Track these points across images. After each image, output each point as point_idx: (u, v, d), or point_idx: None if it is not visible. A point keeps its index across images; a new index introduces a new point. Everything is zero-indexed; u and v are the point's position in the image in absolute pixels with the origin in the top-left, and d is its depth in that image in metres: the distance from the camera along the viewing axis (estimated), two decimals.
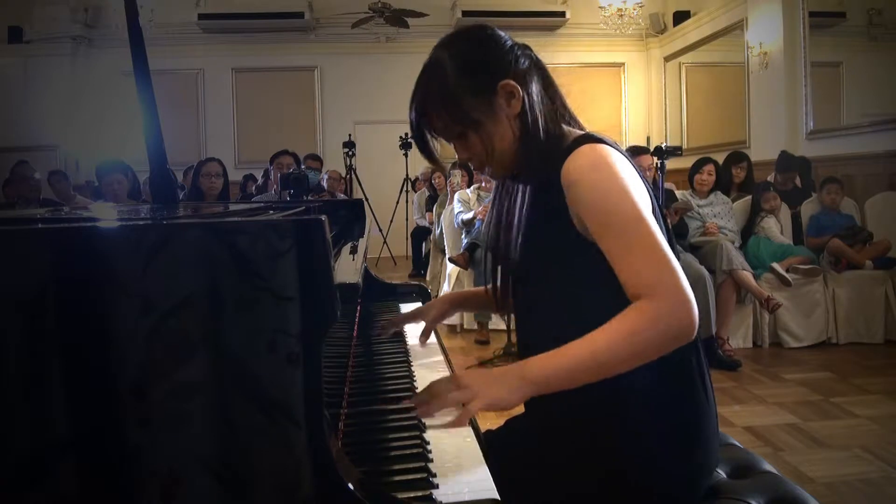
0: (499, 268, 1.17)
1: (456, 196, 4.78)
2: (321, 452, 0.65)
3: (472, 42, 1.05)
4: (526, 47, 1.08)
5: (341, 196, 6.11)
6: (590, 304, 0.96)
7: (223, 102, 8.95)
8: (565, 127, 1.07)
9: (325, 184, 5.91)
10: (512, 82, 1.02)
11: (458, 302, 1.43)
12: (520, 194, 1.10)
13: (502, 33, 1.07)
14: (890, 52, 5.76)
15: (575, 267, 1.01)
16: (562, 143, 1.03)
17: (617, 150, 1.00)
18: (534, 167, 1.04)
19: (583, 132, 1.06)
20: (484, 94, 1.01)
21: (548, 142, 1.03)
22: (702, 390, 1.03)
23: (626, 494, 0.99)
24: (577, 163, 0.97)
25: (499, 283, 1.17)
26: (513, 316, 1.21)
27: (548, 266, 1.04)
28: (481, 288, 1.38)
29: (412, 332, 1.45)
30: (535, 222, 1.05)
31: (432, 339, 1.41)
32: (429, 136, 1.07)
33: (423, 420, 0.92)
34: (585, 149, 0.98)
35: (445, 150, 1.16)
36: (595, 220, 0.94)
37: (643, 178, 1.01)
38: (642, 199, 0.95)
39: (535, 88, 1.04)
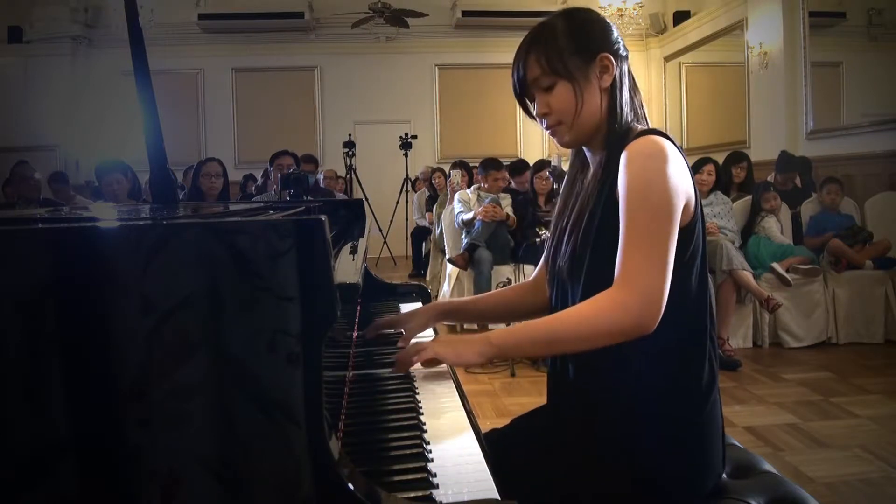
0: (552, 244, 1.18)
1: (456, 196, 4.78)
2: (321, 452, 0.65)
3: (587, 14, 1.14)
4: (626, 48, 1.14)
5: (341, 195, 6.11)
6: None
7: (223, 102, 8.96)
8: (635, 124, 1.10)
9: (321, 184, 5.91)
10: (610, 56, 1.09)
11: (443, 314, 1.38)
12: (586, 185, 1.13)
13: (607, 20, 1.15)
14: (890, 52, 5.76)
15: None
16: (630, 133, 1.07)
17: (677, 148, 1.03)
18: (610, 141, 1.08)
19: (650, 128, 1.09)
20: (583, 56, 1.08)
21: (625, 123, 1.08)
22: (710, 392, 1.03)
23: (628, 494, 0.99)
24: (637, 147, 1.01)
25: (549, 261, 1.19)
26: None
27: (598, 251, 1.04)
28: (472, 297, 1.41)
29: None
30: (593, 202, 1.07)
31: (432, 338, 1.41)
32: (530, 92, 1.13)
33: (402, 372, 1.08)
34: (650, 138, 1.02)
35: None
36: (625, 202, 0.98)
37: (695, 185, 1.04)
38: (679, 201, 0.97)
39: (625, 74, 1.12)
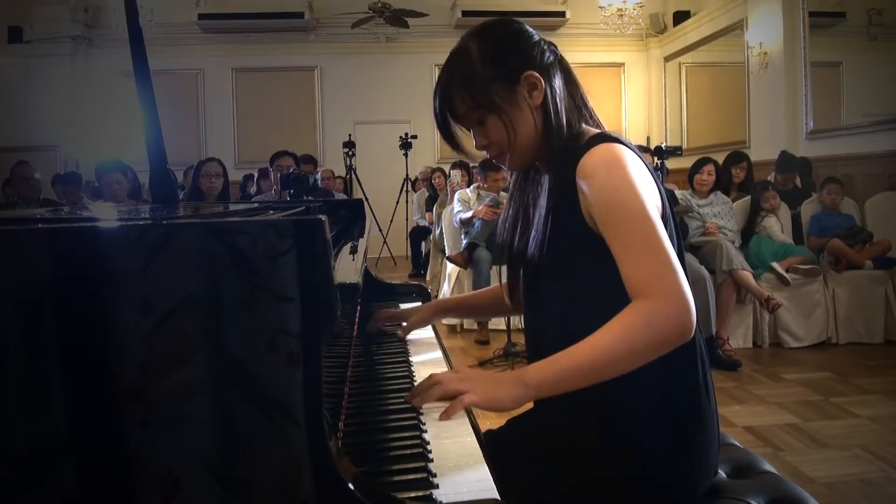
0: (513, 264, 1.17)
1: (456, 196, 4.78)
2: (321, 452, 0.65)
3: (500, 32, 1.08)
4: (551, 44, 1.10)
5: (340, 195, 6.11)
6: (600, 301, 0.96)
7: (223, 102, 8.96)
8: (584, 125, 1.08)
9: (320, 184, 5.91)
10: (535, 74, 1.04)
11: (442, 310, 1.44)
12: (538, 189, 1.12)
13: (530, 28, 1.09)
14: (890, 52, 5.77)
15: (585, 263, 1.01)
16: (579, 140, 1.05)
17: (632, 150, 1.02)
18: (553, 160, 1.06)
19: (599, 131, 1.07)
20: (507, 82, 1.04)
21: (567, 137, 1.05)
22: (704, 391, 1.03)
23: (627, 494, 0.99)
24: (592, 160, 0.98)
25: (511, 279, 1.18)
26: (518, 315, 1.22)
27: (560, 261, 1.05)
28: (469, 294, 1.42)
29: (413, 333, 1.45)
30: (550, 217, 1.06)
31: (433, 338, 1.42)
32: (452, 123, 1.09)
33: (418, 406, 0.94)
34: (601, 147, 1.00)
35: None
36: (604, 218, 0.96)
37: (656, 179, 1.03)
38: (651, 201, 0.96)
39: (557, 83, 1.07)
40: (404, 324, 1.37)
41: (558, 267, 1.05)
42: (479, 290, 1.47)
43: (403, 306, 1.70)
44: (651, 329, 0.88)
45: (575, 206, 1.01)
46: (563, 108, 1.06)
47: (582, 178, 0.98)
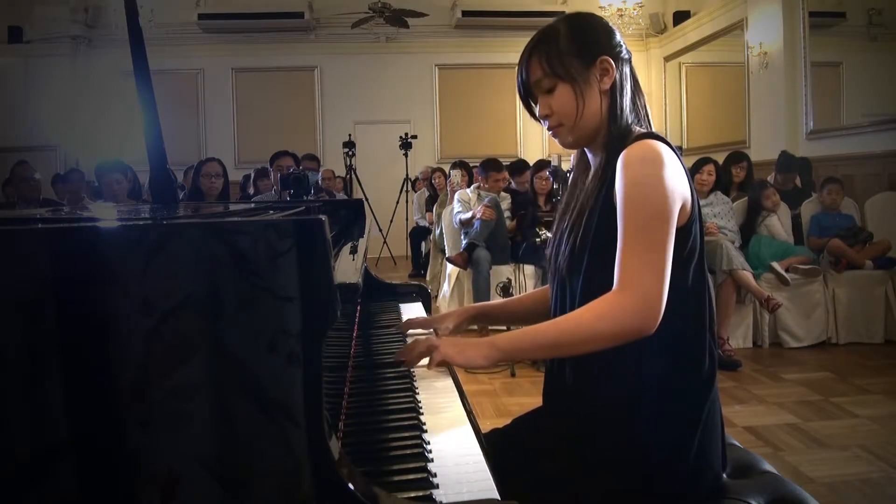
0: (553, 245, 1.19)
1: (456, 195, 4.78)
2: (321, 452, 0.65)
3: (590, 20, 1.16)
4: (629, 50, 1.16)
5: (340, 195, 6.11)
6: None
7: (223, 102, 8.96)
8: (635, 126, 1.12)
9: (321, 184, 5.90)
10: (610, 59, 1.10)
11: (475, 315, 1.41)
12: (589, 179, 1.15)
13: (611, 25, 1.17)
14: (890, 52, 5.77)
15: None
16: (630, 135, 1.08)
17: (673, 150, 1.04)
18: (608, 146, 1.10)
19: (649, 131, 1.10)
20: (584, 59, 1.10)
21: (624, 127, 1.10)
22: (708, 392, 1.03)
23: (629, 494, 0.99)
24: (632, 151, 1.02)
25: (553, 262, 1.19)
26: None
27: (597, 253, 1.06)
28: (501, 301, 1.46)
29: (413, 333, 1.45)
30: (592, 203, 1.09)
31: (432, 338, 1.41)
32: (533, 94, 1.15)
33: (408, 363, 1.10)
34: (645, 142, 1.03)
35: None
36: (623, 207, 0.99)
37: (691, 182, 1.05)
38: (674, 206, 0.99)
39: (627, 77, 1.13)
40: (434, 331, 1.37)
41: (597, 260, 1.05)
42: (512, 298, 1.49)
43: (403, 307, 1.70)
44: (612, 321, 0.96)
45: (613, 195, 1.04)
46: (627, 100, 1.11)
47: (620, 166, 1.02)
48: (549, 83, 1.11)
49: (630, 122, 1.11)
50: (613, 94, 1.11)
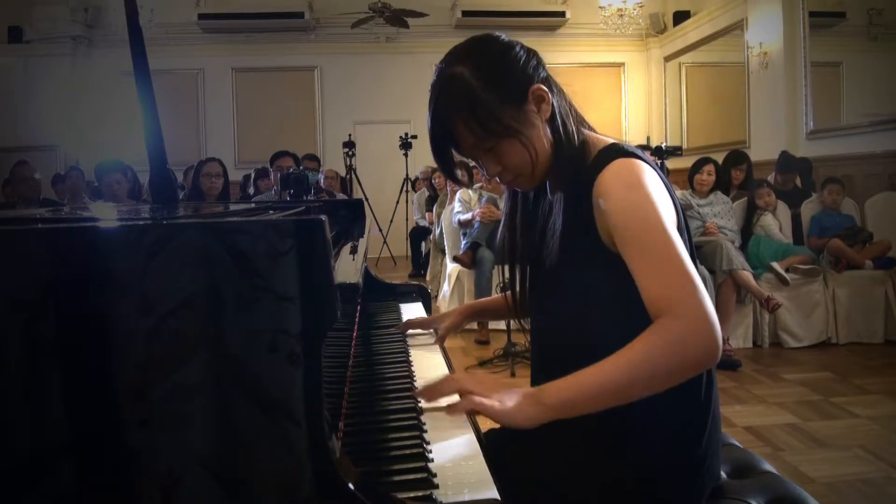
0: (517, 273, 1.16)
1: (457, 195, 4.77)
2: (321, 452, 0.65)
3: (490, 52, 1.02)
4: (533, 51, 1.05)
5: (340, 195, 6.10)
6: (610, 316, 0.96)
7: (223, 102, 8.95)
8: (585, 131, 1.06)
9: (322, 184, 5.90)
10: (542, 86, 1.00)
11: (473, 313, 1.43)
12: (545, 205, 1.10)
13: (510, 39, 1.04)
14: (890, 52, 5.76)
15: (598, 278, 1.00)
16: (587, 150, 1.02)
17: (646, 161, 1.00)
18: (567, 173, 1.02)
19: (612, 142, 1.05)
20: (516, 102, 0.99)
21: (577, 145, 1.02)
22: (708, 394, 1.03)
23: (628, 495, 0.99)
24: (611, 178, 0.95)
25: (517, 289, 1.17)
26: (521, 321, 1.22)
27: (571, 275, 1.03)
28: (497, 297, 1.40)
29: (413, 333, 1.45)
30: (561, 231, 1.03)
31: (433, 338, 1.41)
32: (451, 155, 1.05)
33: (428, 401, 0.95)
34: (619, 164, 0.97)
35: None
36: (622, 236, 0.93)
37: (671, 189, 1.01)
38: (669, 217, 0.94)
39: (555, 89, 1.04)
40: (434, 331, 1.38)
41: (567, 281, 1.04)
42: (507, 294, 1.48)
43: (403, 307, 1.70)
44: (674, 353, 0.84)
45: (589, 221, 0.98)
46: (569, 118, 1.03)
47: (599, 195, 0.96)
48: (490, 143, 1.00)
49: (579, 134, 1.04)
50: (555, 118, 1.02)
